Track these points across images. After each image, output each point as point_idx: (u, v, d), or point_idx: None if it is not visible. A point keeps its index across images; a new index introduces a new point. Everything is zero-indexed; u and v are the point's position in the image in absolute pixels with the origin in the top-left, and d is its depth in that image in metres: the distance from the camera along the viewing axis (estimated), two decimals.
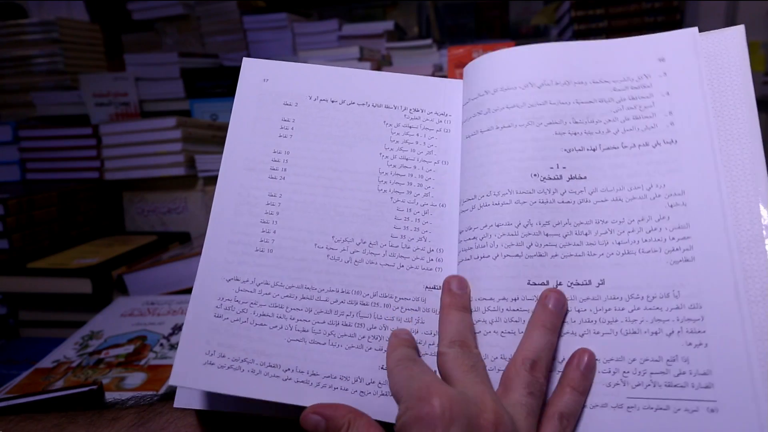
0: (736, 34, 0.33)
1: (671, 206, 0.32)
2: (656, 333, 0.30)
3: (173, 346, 0.59)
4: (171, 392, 0.32)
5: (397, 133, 0.39)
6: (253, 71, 0.40)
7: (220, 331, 0.33)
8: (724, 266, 0.30)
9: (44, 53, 1.25)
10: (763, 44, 2.97)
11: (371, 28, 1.53)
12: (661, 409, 0.29)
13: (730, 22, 2.93)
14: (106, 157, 1.00)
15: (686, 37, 0.34)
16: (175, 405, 0.31)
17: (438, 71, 1.27)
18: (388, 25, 1.54)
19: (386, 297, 0.34)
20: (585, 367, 0.30)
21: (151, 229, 1.01)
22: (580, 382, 0.29)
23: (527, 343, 0.30)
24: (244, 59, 0.41)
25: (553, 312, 0.31)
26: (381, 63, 1.37)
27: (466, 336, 0.31)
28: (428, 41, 1.42)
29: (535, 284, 0.32)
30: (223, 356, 0.32)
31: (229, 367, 0.32)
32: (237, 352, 0.33)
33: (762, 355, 0.28)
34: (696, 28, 0.34)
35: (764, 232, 0.30)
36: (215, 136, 1.04)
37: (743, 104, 0.32)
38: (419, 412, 0.25)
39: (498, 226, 0.33)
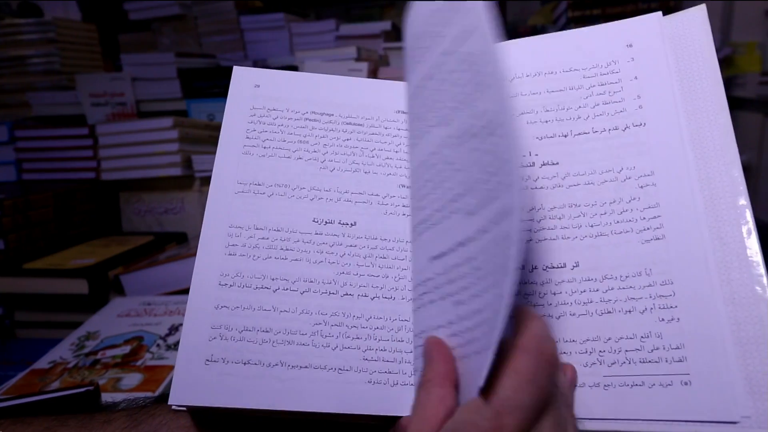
0: (699, 13, 0.34)
1: (641, 187, 0.32)
2: (630, 311, 0.30)
3: (170, 347, 0.59)
4: (167, 393, 0.32)
5: (388, 134, 0.39)
6: (244, 79, 0.40)
7: (218, 345, 0.33)
8: (693, 242, 0.30)
9: (40, 53, 1.25)
10: (759, 44, 2.98)
11: (368, 28, 1.53)
12: (636, 385, 0.29)
13: (727, 21, 2.94)
14: (102, 158, 1.00)
15: (652, 22, 0.35)
16: (170, 402, 0.31)
17: None
18: (386, 25, 1.54)
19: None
20: (569, 380, 0.30)
21: (147, 229, 1.01)
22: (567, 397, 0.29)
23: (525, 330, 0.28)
24: (235, 68, 0.41)
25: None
26: (378, 63, 1.37)
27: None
28: None
29: None
30: (223, 369, 0.32)
31: (228, 380, 0.32)
32: (237, 365, 0.33)
33: (733, 326, 0.29)
34: (660, 13, 0.35)
35: (739, 190, 0.31)
36: (212, 137, 1.04)
37: (709, 80, 0.33)
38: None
39: None
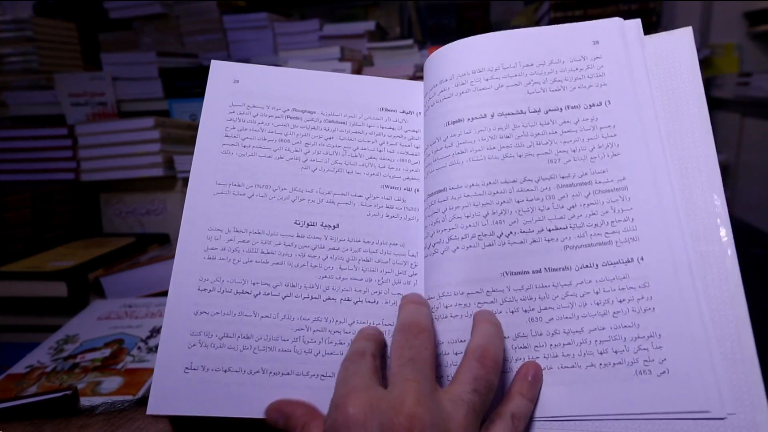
0: (684, 35, 0.35)
1: (614, 201, 0.33)
2: (601, 303, 0.31)
3: (151, 349, 0.58)
4: (147, 397, 0.31)
5: (371, 133, 0.39)
6: (222, 74, 0.40)
7: (197, 352, 0.32)
8: (664, 236, 0.31)
9: (17, 52, 1.23)
10: (737, 46, 3.04)
11: (352, 28, 1.53)
12: (616, 377, 0.29)
13: (706, 23, 2.99)
14: (82, 158, 0.98)
15: (615, 24, 0.36)
16: (148, 412, 0.31)
17: (419, 71, 1.27)
18: (370, 25, 1.54)
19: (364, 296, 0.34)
20: (533, 377, 0.30)
21: (129, 230, 1.00)
22: (529, 390, 0.30)
23: (476, 333, 0.30)
24: (213, 62, 0.40)
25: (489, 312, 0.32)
26: (362, 63, 1.36)
27: (415, 321, 0.30)
28: (409, 41, 1.42)
29: (511, 273, 0.33)
30: (203, 377, 0.32)
31: (208, 388, 0.32)
32: (217, 372, 0.32)
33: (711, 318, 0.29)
34: (620, 19, 0.36)
35: (718, 220, 0.31)
36: (194, 137, 1.01)
37: (694, 101, 0.34)
38: (336, 420, 0.26)
39: (454, 210, 0.35)
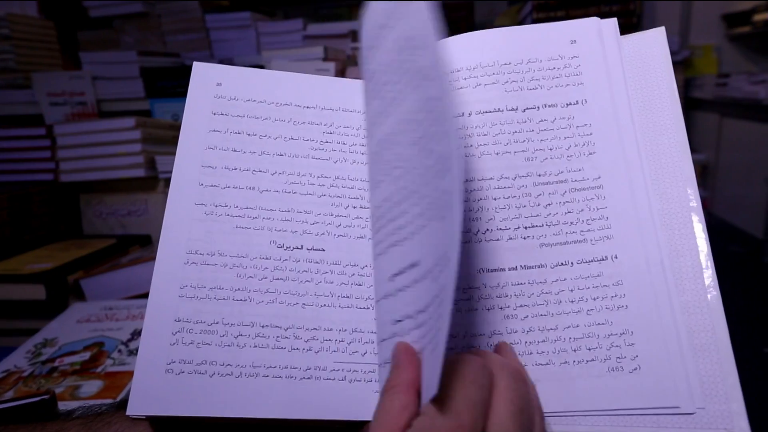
0: (658, 35, 0.36)
1: (589, 199, 0.33)
2: (575, 301, 0.31)
3: (132, 352, 0.57)
4: (127, 400, 0.31)
5: (356, 135, 0.39)
6: (204, 77, 0.39)
7: (179, 351, 0.32)
8: (637, 234, 0.32)
9: None
10: (715, 47, 3.09)
11: (336, 27, 1.53)
12: (589, 374, 0.30)
13: (685, 25, 3.04)
14: (61, 159, 0.96)
15: (592, 24, 0.37)
16: (128, 413, 0.30)
17: None
18: (353, 25, 1.54)
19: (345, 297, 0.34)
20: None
21: (110, 232, 0.98)
22: None
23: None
24: (195, 64, 0.40)
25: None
26: (346, 63, 1.36)
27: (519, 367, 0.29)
28: None
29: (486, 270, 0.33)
30: (184, 377, 0.32)
31: (190, 388, 0.31)
32: (198, 374, 0.32)
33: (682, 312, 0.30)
34: (597, 18, 0.37)
35: (693, 215, 0.32)
36: (177, 137, 1.01)
37: (667, 98, 0.34)
38: None
39: None
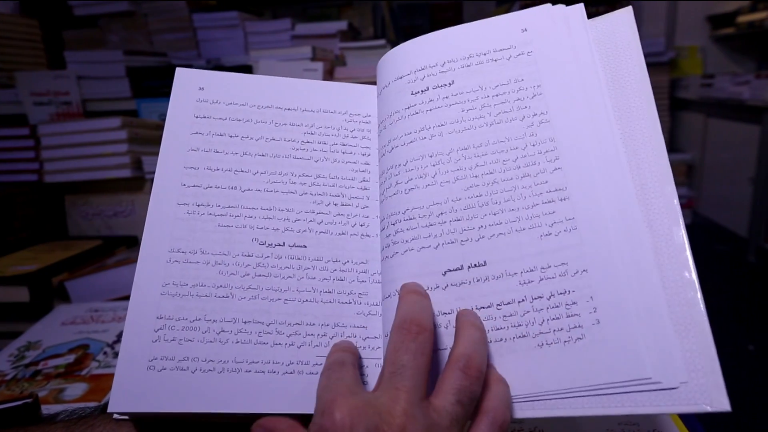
0: (625, 15, 0.36)
1: (552, 171, 0.33)
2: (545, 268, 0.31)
3: (117, 354, 0.57)
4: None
5: (337, 135, 0.39)
6: (187, 81, 0.39)
7: (161, 347, 0.32)
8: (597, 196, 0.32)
9: None
10: (700, 48, 3.13)
11: (324, 27, 1.52)
12: (559, 348, 0.29)
13: (671, 26, 3.07)
14: (45, 159, 0.95)
15: (544, 11, 0.37)
16: (109, 410, 0.30)
17: None
18: (342, 25, 1.54)
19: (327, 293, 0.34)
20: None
21: (96, 233, 0.97)
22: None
23: (460, 339, 0.29)
24: (178, 69, 0.40)
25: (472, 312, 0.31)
26: (334, 63, 1.36)
27: (416, 318, 0.29)
28: (382, 41, 1.42)
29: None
30: (167, 373, 0.31)
31: (172, 384, 0.31)
32: (180, 370, 0.31)
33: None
34: (550, 5, 0.37)
35: (666, 186, 0.31)
36: None
37: (638, 76, 0.34)
38: (322, 426, 0.25)
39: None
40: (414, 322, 0.28)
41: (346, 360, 0.30)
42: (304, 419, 0.27)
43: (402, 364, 0.27)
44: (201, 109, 0.39)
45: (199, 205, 0.36)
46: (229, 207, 0.36)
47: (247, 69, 1.26)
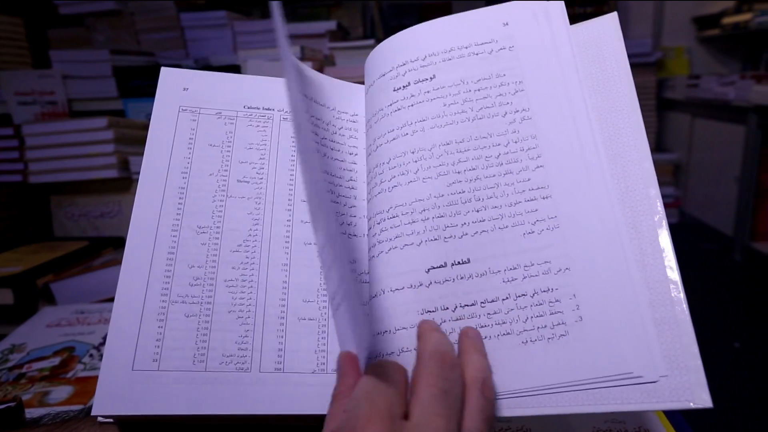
0: (611, 20, 0.36)
1: (534, 168, 0.33)
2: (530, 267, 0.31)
3: None
4: None
5: (326, 130, 0.39)
6: (171, 82, 0.39)
7: (144, 350, 0.32)
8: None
9: None
10: (687, 49, 3.16)
11: (313, 27, 1.52)
12: (542, 344, 0.30)
13: (658, 27, 3.10)
14: (30, 159, 0.94)
15: (525, 6, 0.37)
16: (93, 413, 0.29)
17: None
18: (331, 24, 1.53)
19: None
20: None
21: (82, 234, 0.96)
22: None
23: (470, 364, 0.29)
24: (163, 69, 0.40)
25: (478, 336, 0.31)
26: (324, 63, 1.36)
27: (449, 353, 0.28)
28: (371, 41, 1.42)
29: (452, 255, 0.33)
30: (152, 374, 0.31)
31: (157, 386, 0.31)
32: (166, 371, 0.31)
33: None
34: (531, 1, 0.37)
35: (650, 189, 0.32)
36: None
37: (622, 81, 0.35)
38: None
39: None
40: (447, 354, 0.28)
41: (399, 378, 0.28)
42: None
43: (442, 389, 0.26)
44: (186, 108, 0.39)
45: (184, 206, 0.36)
46: (214, 205, 0.36)
47: (235, 69, 1.25)
